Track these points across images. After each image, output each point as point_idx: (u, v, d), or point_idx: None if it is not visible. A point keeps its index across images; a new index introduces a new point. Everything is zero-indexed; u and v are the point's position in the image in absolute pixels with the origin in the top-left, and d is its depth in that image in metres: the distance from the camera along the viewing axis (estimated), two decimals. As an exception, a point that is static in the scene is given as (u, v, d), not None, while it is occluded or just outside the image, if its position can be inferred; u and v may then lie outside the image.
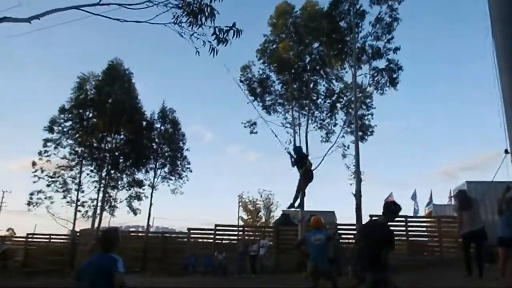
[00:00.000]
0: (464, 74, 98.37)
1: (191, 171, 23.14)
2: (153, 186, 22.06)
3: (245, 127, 18.94)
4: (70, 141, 21.59)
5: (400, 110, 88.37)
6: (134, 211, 22.13)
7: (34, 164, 20.68)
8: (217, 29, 7.05)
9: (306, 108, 18.63)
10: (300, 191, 9.06)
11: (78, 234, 21.45)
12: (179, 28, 7.28)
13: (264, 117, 18.54)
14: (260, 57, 19.04)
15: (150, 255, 19.57)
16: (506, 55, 4.50)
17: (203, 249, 19.22)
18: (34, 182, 20.65)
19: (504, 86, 4.42)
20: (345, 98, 18.69)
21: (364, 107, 18.16)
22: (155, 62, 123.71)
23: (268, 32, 19.18)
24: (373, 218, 7.32)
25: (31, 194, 20.49)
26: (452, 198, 18.94)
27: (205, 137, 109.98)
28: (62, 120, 21.62)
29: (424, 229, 18.66)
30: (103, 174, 21.62)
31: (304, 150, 17.52)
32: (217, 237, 19.96)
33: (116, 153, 22.23)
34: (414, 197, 24.90)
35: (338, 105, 18.86)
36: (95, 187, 21.44)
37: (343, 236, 16.92)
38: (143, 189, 22.35)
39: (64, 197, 20.79)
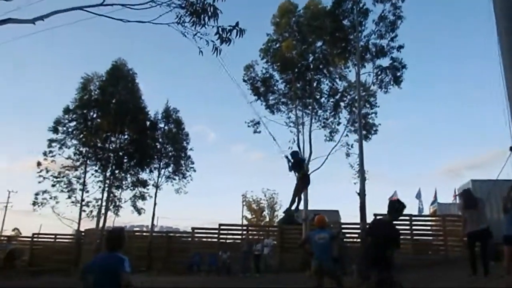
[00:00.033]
0: (468, 72, 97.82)
1: (195, 170, 23.20)
2: (157, 186, 22.15)
3: (248, 126, 18.97)
4: (74, 141, 21.69)
5: (404, 108, 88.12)
6: (139, 211, 22.20)
7: (39, 164, 20.79)
8: (220, 29, 7.06)
9: (310, 107, 18.61)
10: (297, 195, 9.11)
11: (83, 233, 21.58)
12: (182, 28, 7.30)
13: (266, 117, 18.62)
14: (263, 56, 19.04)
15: (155, 254, 19.65)
16: (511, 53, 4.48)
17: (207, 248, 19.28)
18: (39, 182, 20.77)
19: (509, 84, 4.41)
20: (348, 96, 18.67)
21: (368, 105, 18.13)
22: (158, 62, 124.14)
23: (271, 31, 19.20)
24: (378, 217, 7.30)
25: (37, 194, 20.60)
26: (457, 197, 18.85)
27: (209, 137, 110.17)
28: (66, 121, 21.71)
29: (429, 228, 18.61)
30: (108, 174, 21.70)
31: (307, 150, 17.66)
32: (221, 236, 20.01)
33: (120, 153, 22.29)
34: (418, 196, 24.78)
35: (342, 104, 18.84)
36: (100, 187, 21.54)
37: (347, 235, 16.92)
38: (147, 189, 22.40)
39: (69, 197, 20.90)
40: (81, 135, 21.71)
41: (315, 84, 18.77)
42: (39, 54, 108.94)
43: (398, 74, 16.55)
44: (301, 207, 16.82)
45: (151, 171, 22.51)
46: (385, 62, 16.61)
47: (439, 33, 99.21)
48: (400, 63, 16.49)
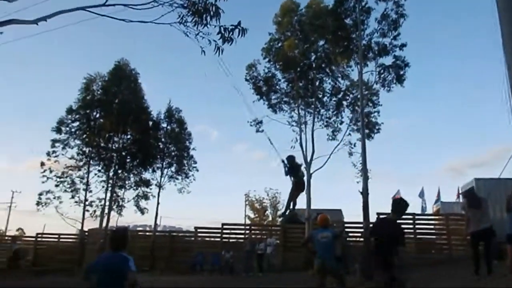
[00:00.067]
0: (470, 71, 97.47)
1: (197, 170, 23.23)
2: (160, 186, 22.18)
3: (251, 125, 18.95)
4: (77, 142, 21.77)
5: (407, 107, 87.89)
6: (142, 211, 22.27)
7: (42, 164, 20.90)
8: (222, 28, 7.06)
9: (312, 106, 18.59)
10: (291, 200, 9.13)
11: (86, 233, 21.66)
12: (184, 28, 7.31)
13: (269, 117, 18.64)
14: (266, 56, 19.01)
15: (158, 254, 19.70)
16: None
17: (210, 248, 19.33)
18: (43, 182, 20.89)
19: (512, 82, 4.39)
20: (351, 95, 18.60)
21: (371, 104, 18.06)
22: (160, 62, 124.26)
23: (273, 30, 19.15)
24: (382, 216, 7.28)
25: (40, 194, 20.71)
26: (460, 196, 18.81)
27: (211, 136, 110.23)
28: (69, 121, 21.79)
29: (432, 227, 18.58)
30: (111, 174, 21.76)
31: (310, 149, 17.64)
32: (224, 236, 20.04)
33: (123, 153, 22.35)
34: (421, 194, 24.79)
35: (344, 102, 18.79)
36: (103, 186, 21.61)
37: (350, 234, 16.89)
38: (150, 189, 22.46)
39: (73, 197, 20.99)
40: (84, 135, 21.78)
41: (317, 83, 18.73)
42: (41, 55, 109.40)
43: (401, 72, 16.48)
44: (304, 206, 16.92)
45: (154, 170, 22.57)
46: (387, 60, 16.56)
47: (440, 32, 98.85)
48: (403, 62, 16.41)
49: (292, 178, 8.88)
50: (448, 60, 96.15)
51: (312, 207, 16.91)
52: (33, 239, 22.75)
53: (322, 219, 6.76)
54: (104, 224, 21.02)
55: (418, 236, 17.22)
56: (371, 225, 7.39)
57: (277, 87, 19.15)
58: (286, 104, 19.11)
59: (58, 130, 21.43)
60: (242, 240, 19.32)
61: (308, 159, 17.35)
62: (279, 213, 37.31)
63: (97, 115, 22.30)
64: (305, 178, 8.93)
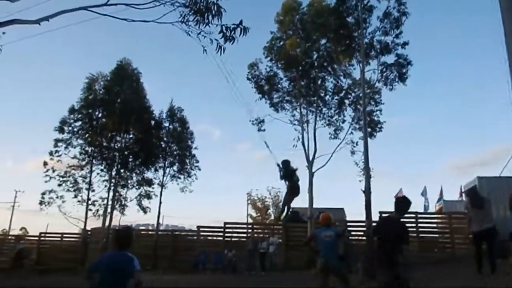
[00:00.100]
0: (472, 70, 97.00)
1: (199, 169, 23.26)
2: (162, 185, 22.23)
3: (253, 124, 18.96)
4: (80, 141, 21.85)
5: (409, 105, 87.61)
6: (144, 210, 22.33)
7: (45, 164, 20.97)
8: (224, 27, 7.06)
9: (314, 105, 18.58)
10: (286, 204, 9.15)
11: (89, 232, 21.74)
12: (186, 27, 7.33)
13: (271, 116, 18.63)
14: (268, 55, 19.02)
15: (161, 253, 19.74)
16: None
17: (213, 246, 19.36)
18: (46, 181, 20.97)
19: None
20: (353, 94, 18.61)
21: (373, 103, 18.05)
22: (162, 61, 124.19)
23: (275, 29, 19.16)
24: (385, 215, 7.26)
25: (43, 193, 20.79)
26: (463, 194, 18.73)
27: (214, 135, 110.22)
28: (72, 120, 21.86)
29: (435, 225, 18.53)
30: (113, 173, 21.83)
31: (312, 148, 17.63)
32: (227, 234, 20.05)
33: (126, 152, 22.40)
34: (424, 193, 24.68)
35: (346, 101, 18.78)
36: (105, 186, 21.68)
37: (353, 233, 16.88)
38: (153, 188, 22.51)
39: (75, 196, 21.07)
40: (87, 135, 21.85)
41: (319, 82, 18.72)
42: (44, 54, 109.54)
43: (403, 71, 16.46)
44: (306, 205, 16.92)
45: (156, 170, 22.63)
46: (390, 59, 16.54)
47: (442, 31, 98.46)
48: (405, 60, 16.39)
49: (287, 182, 8.88)
50: (450, 58, 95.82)
51: (314, 206, 16.92)
52: (36, 238, 22.84)
53: (324, 218, 6.75)
54: (106, 223, 21.11)
55: (421, 235, 17.20)
56: (374, 224, 7.36)
57: (279, 86, 19.16)
58: (288, 103, 19.14)
59: (60, 130, 21.50)
60: (244, 239, 19.33)
61: (310, 158, 17.36)
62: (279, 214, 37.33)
63: (100, 115, 22.35)
64: (300, 183, 8.89)
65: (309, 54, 18.60)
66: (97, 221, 21.71)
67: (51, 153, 21.07)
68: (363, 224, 14.68)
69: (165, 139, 23.27)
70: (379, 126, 18.20)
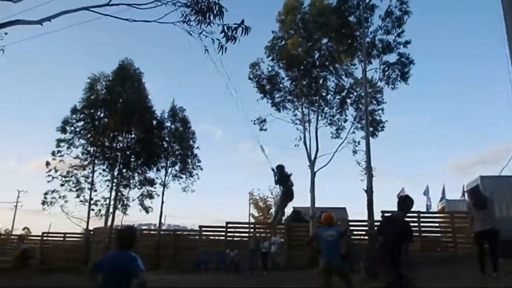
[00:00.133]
0: (474, 69, 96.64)
1: (201, 169, 23.30)
2: (164, 185, 22.28)
3: (254, 124, 18.95)
4: (82, 141, 21.90)
5: (411, 105, 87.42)
6: (146, 209, 22.37)
7: (48, 164, 21.03)
8: (225, 27, 7.06)
9: (316, 104, 18.55)
10: (280, 210, 9.19)
11: (91, 232, 21.77)
12: (187, 27, 7.33)
13: (272, 115, 18.61)
14: (269, 54, 18.98)
15: (163, 252, 19.76)
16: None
17: (214, 246, 19.38)
18: (48, 181, 21.05)
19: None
20: (355, 93, 18.54)
21: (375, 102, 18.01)
22: (164, 61, 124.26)
23: (277, 28, 19.12)
24: (388, 214, 7.22)
25: (46, 193, 20.86)
26: (466, 194, 18.69)
27: (215, 135, 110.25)
28: (74, 120, 21.92)
29: (437, 225, 18.50)
30: (115, 173, 21.86)
31: (314, 147, 17.60)
32: (229, 234, 20.06)
33: (128, 152, 22.44)
34: (426, 192, 24.64)
35: (348, 100, 18.73)
36: (108, 186, 21.74)
37: (355, 232, 16.87)
38: (155, 188, 22.56)
39: (78, 196, 21.13)
40: (89, 135, 21.90)
41: (321, 81, 18.69)
42: (46, 55, 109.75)
43: (406, 70, 16.43)
44: (308, 204, 16.91)
45: (158, 169, 22.67)
46: (392, 58, 16.51)
47: (443, 30, 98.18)
48: (408, 59, 16.36)
49: (281, 187, 8.89)
50: (453, 57, 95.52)
51: (316, 205, 16.89)
52: (39, 238, 22.90)
53: (326, 217, 6.75)
54: (109, 223, 21.14)
55: (423, 234, 17.16)
56: (378, 224, 7.35)
57: (281, 85, 19.14)
58: (289, 103, 19.11)
59: (63, 130, 21.57)
60: (246, 239, 19.33)
61: (312, 157, 17.34)
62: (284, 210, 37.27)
63: (102, 115, 22.40)
64: (294, 188, 8.90)
65: (311, 53, 18.56)
66: (100, 221, 21.81)
67: (53, 153, 21.16)
68: (365, 223, 14.70)
69: (167, 139, 23.31)
70: (381, 125, 18.17)
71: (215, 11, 7.13)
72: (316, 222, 15.30)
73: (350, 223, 17.72)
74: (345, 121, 18.65)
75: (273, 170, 8.69)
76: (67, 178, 21.14)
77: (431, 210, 23.41)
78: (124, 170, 22.22)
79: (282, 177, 8.69)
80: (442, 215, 20.43)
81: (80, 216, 20.80)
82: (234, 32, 7.03)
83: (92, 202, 21.18)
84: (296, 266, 15.88)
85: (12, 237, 27.49)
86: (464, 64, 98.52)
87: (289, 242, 18.39)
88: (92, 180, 21.49)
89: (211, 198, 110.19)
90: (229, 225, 20.32)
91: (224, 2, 7.16)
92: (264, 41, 19.15)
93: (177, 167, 22.79)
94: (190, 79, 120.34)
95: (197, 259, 18.16)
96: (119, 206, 21.84)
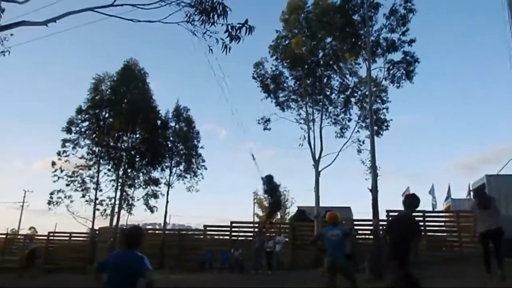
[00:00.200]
0: (480, 67, 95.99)
1: (206, 168, 23.30)
2: (169, 184, 22.32)
3: (258, 123, 18.97)
4: (87, 141, 22.02)
5: (414, 104, 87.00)
6: (151, 209, 22.43)
7: (53, 164, 21.16)
8: (229, 27, 7.07)
9: (320, 104, 18.53)
10: (268, 219, 9.25)
11: (97, 232, 21.88)
12: (191, 27, 7.35)
13: (277, 114, 18.60)
14: (273, 53, 18.99)
15: (167, 252, 19.81)
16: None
17: (219, 246, 19.38)
18: (54, 181, 21.17)
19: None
20: (359, 92, 18.51)
21: (379, 101, 17.94)
22: (168, 61, 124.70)
23: (281, 28, 19.12)
24: (395, 214, 7.19)
25: (51, 193, 20.98)
26: (471, 193, 18.56)
27: (220, 135, 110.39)
28: (79, 121, 22.03)
29: (443, 224, 18.40)
30: (120, 173, 21.97)
31: (318, 146, 17.57)
32: (233, 234, 20.07)
33: (132, 152, 22.53)
34: (432, 191, 24.50)
35: (353, 99, 18.70)
36: (113, 185, 21.82)
37: (360, 231, 16.81)
38: (159, 187, 22.60)
39: (83, 196, 21.24)
40: (94, 135, 22.01)
41: (325, 80, 18.66)
42: (52, 55, 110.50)
43: (411, 68, 16.35)
44: (313, 204, 16.90)
45: (162, 169, 22.73)
46: (396, 56, 16.44)
47: (448, 28, 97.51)
48: (413, 57, 16.28)
49: (269, 198, 8.91)
50: (457, 56, 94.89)
51: (321, 204, 16.89)
52: (45, 238, 23.05)
53: (331, 216, 6.74)
54: (114, 223, 21.24)
55: (429, 234, 17.07)
56: (386, 223, 7.32)
57: (285, 84, 19.14)
58: (294, 102, 19.11)
59: (68, 130, 21.69)
60: (251, 238, 19.33)
61: (317, 157, 17.32)
62: (287, 211, 37.32)
63: (106, 115, 22.50)
64: (282, 198, 8.93)
65: (315, 52, 18.53)
66: (105, 220, 21.90)
67: (59, 153, 21.29)
68: (370, 222, 14.65)
69: (171, 138, 23.36)
70: (385, 124, 18.11)
71: (219, 11, 7.14)
72: (321, 222, 15.29)
73: (355, 223, 17.65)
74: (350, 120, 18.64)
75: (262, 179, 8.69)
76: (72, 178, 21.28)
77: (436, 209, 23.29)
78: (129, 170, 22.31)
79: (270, 187, 8.71)
80: (447, 214, 20.32)
81: (85, 216, 20.96)
82: (238, 31, 7.03)
83: (97, 202, 21.30)
84: (300, 266, 15.86)
85: (19, 237, 27.73)
86: (468, 63, 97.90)
87: (294, 242, 18.36)
88: (97, 180, 21.62)
89: (215, 197, 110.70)
90: (233, 224, 20.34)
91: (228, 1, 7.19)
92: (268, 41, 19.19)
93: (181, 167, 22.85)
94: (194, 79, 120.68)
95: (202, 258, 18.19)
96: (124, 205, 21.95)
